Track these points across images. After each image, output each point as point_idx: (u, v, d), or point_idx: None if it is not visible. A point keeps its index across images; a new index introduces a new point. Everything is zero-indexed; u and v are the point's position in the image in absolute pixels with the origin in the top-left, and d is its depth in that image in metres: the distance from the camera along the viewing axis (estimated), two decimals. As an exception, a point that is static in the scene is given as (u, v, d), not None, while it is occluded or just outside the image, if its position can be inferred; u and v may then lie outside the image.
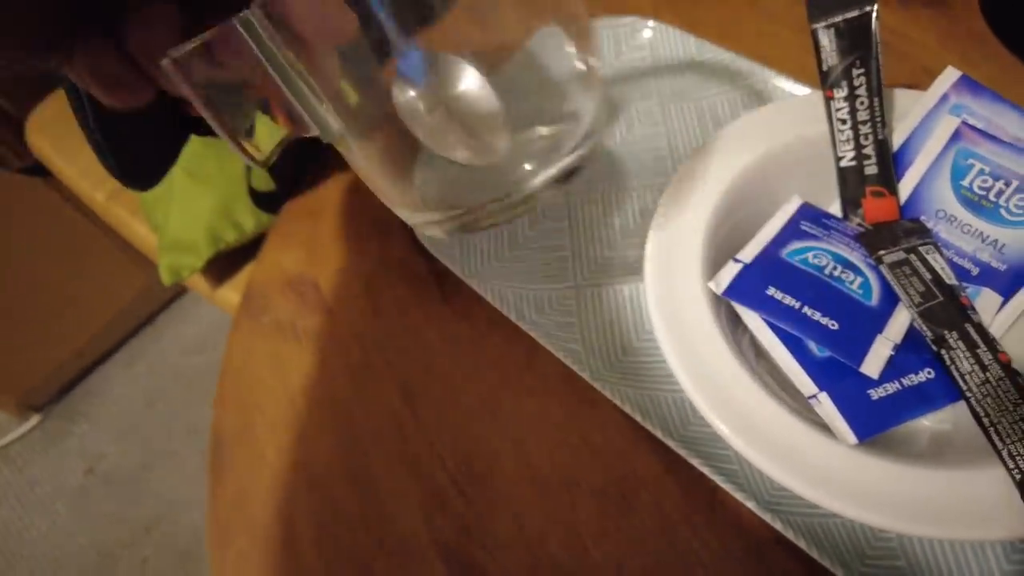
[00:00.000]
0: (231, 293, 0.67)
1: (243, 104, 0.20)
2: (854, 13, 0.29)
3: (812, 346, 0.27)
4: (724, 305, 0.29)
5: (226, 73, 0.18)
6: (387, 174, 0.27)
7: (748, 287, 0.28)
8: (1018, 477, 0.23)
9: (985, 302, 0.28)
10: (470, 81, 0.25)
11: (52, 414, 1.21)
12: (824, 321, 0.27)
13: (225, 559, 0.32)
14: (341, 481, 0.32)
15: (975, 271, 0.29)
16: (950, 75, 0.29)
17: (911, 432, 0.29)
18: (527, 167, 0.26)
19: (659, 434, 0.28)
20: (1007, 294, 0.28)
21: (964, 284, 0.29)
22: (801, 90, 0.37)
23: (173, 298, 1.31)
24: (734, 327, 0.30)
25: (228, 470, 0.34)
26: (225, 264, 0.66)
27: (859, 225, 0.31)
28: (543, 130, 0.27)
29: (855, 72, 0.30)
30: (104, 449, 1.16)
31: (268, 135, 0.20)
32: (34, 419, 1.19)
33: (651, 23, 0.41)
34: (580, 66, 0.26)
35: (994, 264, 0.28)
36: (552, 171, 0.25)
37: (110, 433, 1.18)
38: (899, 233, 0.30)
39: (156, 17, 0.19)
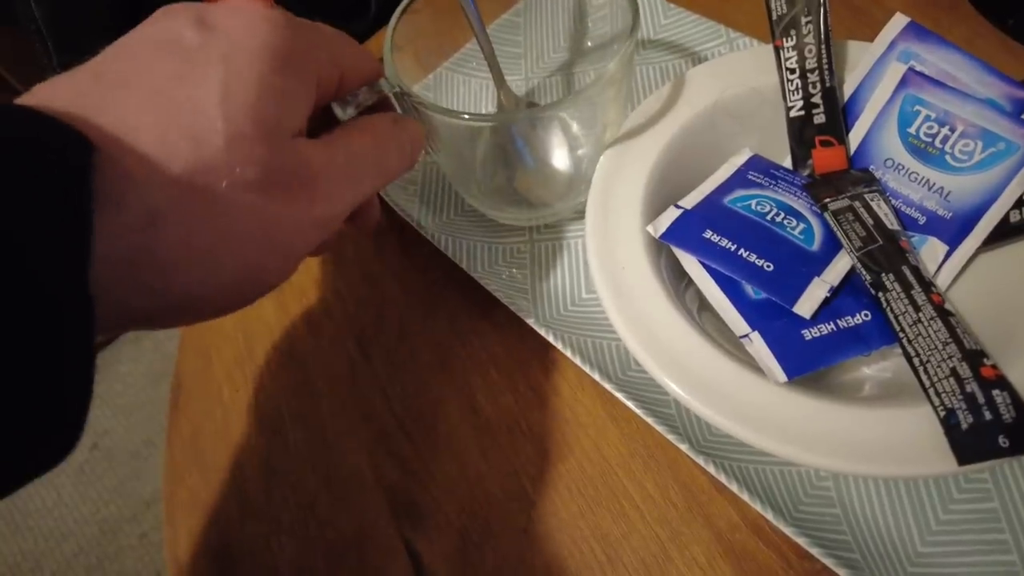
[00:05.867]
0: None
1: None
2: (803, -40, 0.29)
3: (749, 290, 0.27)
4: (667, 257, 0.29)
5: None
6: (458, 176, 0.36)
7: (685, 231, 0.28)
8: (942, 413, 0.22)
9: (931, 251, 0.28)
10: (559, 148, 0.35)
11: (60, 390, 1.24)
12: (759, 263, 0.27)
13: (176, 495, 0.32)
14: (292, 422, 0.33)
15: (922, 220, 0.28)
16: (898, 21, 0.29)
17: (854, 380, 0.28)
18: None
19: (597, 376, 0.28)
20: (953, 243, 0.28)
21: (911, 233, 0.28)
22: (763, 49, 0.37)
23: (181, 280, 1.33)
24: (678, 280, 0.30)
25: (185, 410, 0.35)
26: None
27: (809, 176, 0.31)
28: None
29: (804, 20, 0.30)
30: (108, 426, 1.18)
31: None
32: (43, 395, 1.22)
33: (616, -16, 0.41)
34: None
35: (940, 212, 0.28)
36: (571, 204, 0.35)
37: (115, 410, 1.20)
38: (847, 182, 0.29)
39: None
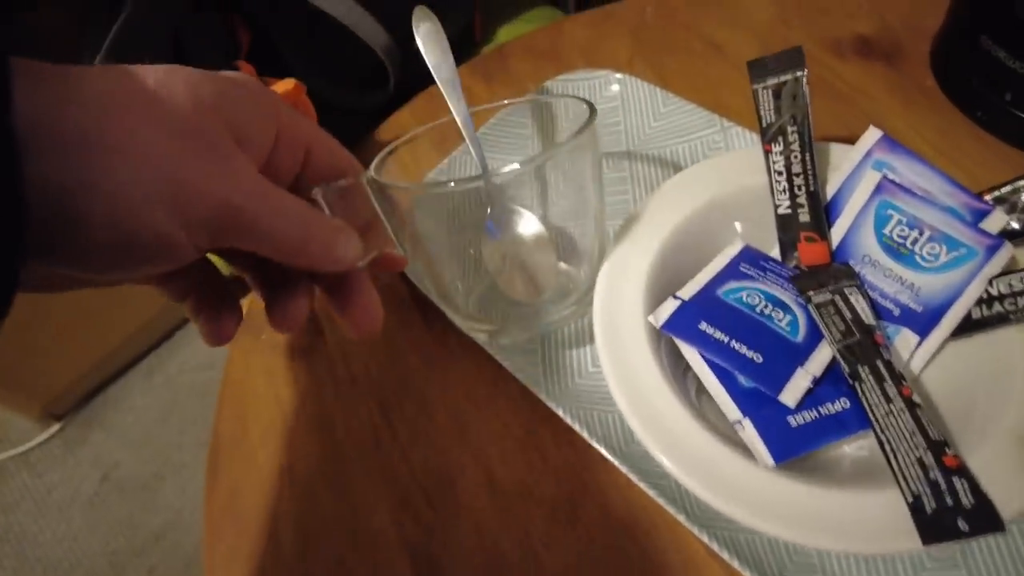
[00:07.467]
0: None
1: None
2: (788, 77, 0.33)
3: (741, 377, 0.30)
4: (667, 342, 0.33)
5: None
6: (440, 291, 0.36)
7: (683, 322, 0.31)
8: (910, 499, 0.25)
9: (904, 341, 0.31)
10: (538, 238, 0.34)
11: (71, 422, 1.26)
12: (749, 354, 0.30)
13: (215, 553, 0.35)
14: (321, 483, 0.36)
15: (896, 311, 0.32)
16: (873, 134, 0.33)
17: (834, 457, 0.31)
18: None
19: (602, 449, 0.31)
20: (923, 334, 0.31)
21: (885, 323, 0.32)
22: (754, 138, 0.41)
23: (192, 315, 1.36)
24: (677, 364, 0.33)
25: (223, 472, 0.38)
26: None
27: (796, 267, 0.34)
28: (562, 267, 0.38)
29: (790, 129, 0.33)
30: (119, 458, 1.21)
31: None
32: (54, 427, 1.24)
33: (618, 76, 0.45)
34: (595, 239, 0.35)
35: (912, 306, 0.31)
36: (567, 309, 0.35)
37: (125, 443, 1.23)
38: (829, 276, 0.33)
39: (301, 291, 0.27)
